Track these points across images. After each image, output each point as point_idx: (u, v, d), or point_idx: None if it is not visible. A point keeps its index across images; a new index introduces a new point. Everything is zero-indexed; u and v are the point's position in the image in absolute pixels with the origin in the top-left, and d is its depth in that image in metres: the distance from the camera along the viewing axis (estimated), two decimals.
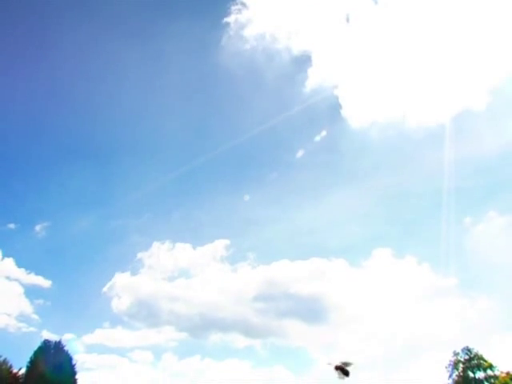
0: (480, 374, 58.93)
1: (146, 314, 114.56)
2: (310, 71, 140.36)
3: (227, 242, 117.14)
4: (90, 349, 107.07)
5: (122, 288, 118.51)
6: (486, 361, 58.59)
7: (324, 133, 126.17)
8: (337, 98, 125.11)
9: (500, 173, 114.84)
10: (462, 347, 60.64)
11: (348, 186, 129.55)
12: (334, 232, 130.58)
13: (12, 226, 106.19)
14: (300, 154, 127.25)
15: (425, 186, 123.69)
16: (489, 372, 58.64)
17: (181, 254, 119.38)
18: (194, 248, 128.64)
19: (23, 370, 60.27)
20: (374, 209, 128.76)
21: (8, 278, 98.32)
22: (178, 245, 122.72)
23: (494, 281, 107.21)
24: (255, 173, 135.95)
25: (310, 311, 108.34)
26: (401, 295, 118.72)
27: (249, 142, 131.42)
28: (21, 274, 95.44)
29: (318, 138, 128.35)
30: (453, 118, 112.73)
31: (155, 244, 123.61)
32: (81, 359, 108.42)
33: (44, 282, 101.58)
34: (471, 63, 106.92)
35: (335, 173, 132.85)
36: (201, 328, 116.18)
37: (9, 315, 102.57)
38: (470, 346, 60.12)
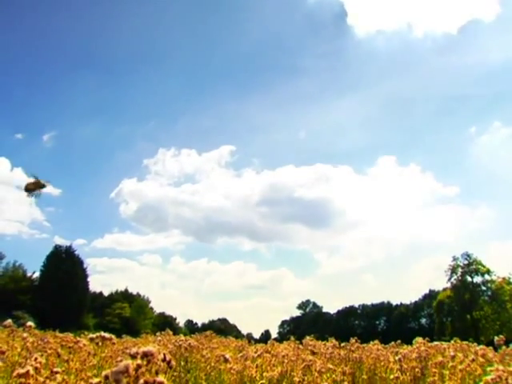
0: (478, 279, 60.65)
1: (153, 218, 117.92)
2: None
3: (232, 147, 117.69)
4: (101, 253, 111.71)
5: (129, 194, 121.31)
6: (483, 266, 59.90)
7: (329, 40, 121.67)
8: (342, 5, 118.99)
9: (506, 83, 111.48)
10: (461, 253, 61.92)
11: (353, 93, 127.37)
12: (340, 138, 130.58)
13: (19, 136, 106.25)
14: (305, 60, 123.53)
15: (431, 93, 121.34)
16: (486, 277, 60.28)
17: (186, 159, 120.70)
18: (200, 154, 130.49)
19: (37, 274, 63.11)
20: (380, 116, 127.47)
21: (18, 187, 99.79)
22: (184, 151, 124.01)
23: (495, 190, 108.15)
24: (260, 79, 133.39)
25: (314, 216, 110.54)
26: (404, 202, 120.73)
27: (254, 49, 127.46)
28: None
29: (323, 45, 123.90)
30: (460, 28, 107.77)
31: (161, 150, 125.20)
32: (92, 263, 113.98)
33: (53, 191, 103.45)
34: None
35: (340, 79, 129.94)
36: (207, 232, 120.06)
37: (21, 223, 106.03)
38: (469, 252, 61.35)
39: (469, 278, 60.54)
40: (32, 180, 3.81)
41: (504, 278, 59.22)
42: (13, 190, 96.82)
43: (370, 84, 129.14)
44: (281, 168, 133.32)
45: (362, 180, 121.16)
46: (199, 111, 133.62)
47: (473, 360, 6.80)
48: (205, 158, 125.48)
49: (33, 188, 3.79)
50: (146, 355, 1.58)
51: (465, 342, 9.55)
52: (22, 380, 2.78)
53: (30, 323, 4.02)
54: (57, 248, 64.05)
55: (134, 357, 1.61)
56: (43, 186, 3.85)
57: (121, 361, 1.66)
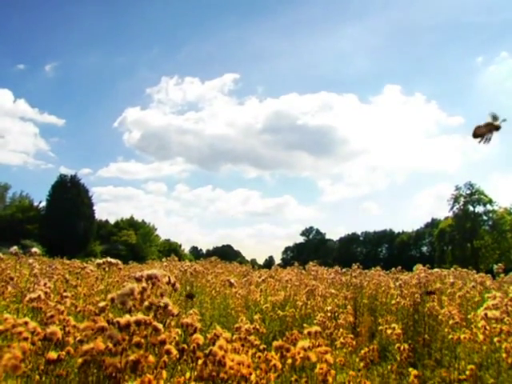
0: (479, 209, 61.26)
1: (157, 146, 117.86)
2: None
3: (235, 75, 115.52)
4: (106, 182, 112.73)
5: (133, 122, 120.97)
6: (486, 196, 60.26)
7: None
8: None
9: None
10: (464, 182, 62.13)
11: (358, 20, 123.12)
12: (344, 66, 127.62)
13: (21, 66, 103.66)
14: None
15: (437, 22, 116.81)
16: (488, 207, 60.84)
17: (189, 88, 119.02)
18: (203, 82, 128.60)
19: (44, 203, 64.02)
20: (385, 44, 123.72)
21: (22, 118, 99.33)
22: (187, 79, 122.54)
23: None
24: (264, 6, 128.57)
25: (318, 144, 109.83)
26: (407, 131, 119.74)
27: None
28: (34, 114, 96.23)
29: None
30: None
31: (164, 79, 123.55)
32: (98, 192, 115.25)
33: (57, 121, 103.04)
34: None
35: (345, 7, 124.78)
36: (211, 159, 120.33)
37: (26, 154, 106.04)
38: (472, 182, 61.51)
39: (471, 208, 61.16)
40: (482, 124, 3.27)
41: (505, 209, 59.85)
42: (17, 122, 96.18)
43: (376, 11, 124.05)
44: (284, 96, 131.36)
45: (366, 109, 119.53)
46: (202, 39, 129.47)
47: (472, 287, 6.95)
48: (208, 86, 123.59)
49: (484, 132, 3.25)
50: (150, 278, 1.57)
51: (464, 270, 9.75)
52: (34, 304, 2.82)
53: (35, 249, 4.02)
54: (62, 177, 64.19)
55: (139, 280, 1.59)
56: (498, 128, 3.30)
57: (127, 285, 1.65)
